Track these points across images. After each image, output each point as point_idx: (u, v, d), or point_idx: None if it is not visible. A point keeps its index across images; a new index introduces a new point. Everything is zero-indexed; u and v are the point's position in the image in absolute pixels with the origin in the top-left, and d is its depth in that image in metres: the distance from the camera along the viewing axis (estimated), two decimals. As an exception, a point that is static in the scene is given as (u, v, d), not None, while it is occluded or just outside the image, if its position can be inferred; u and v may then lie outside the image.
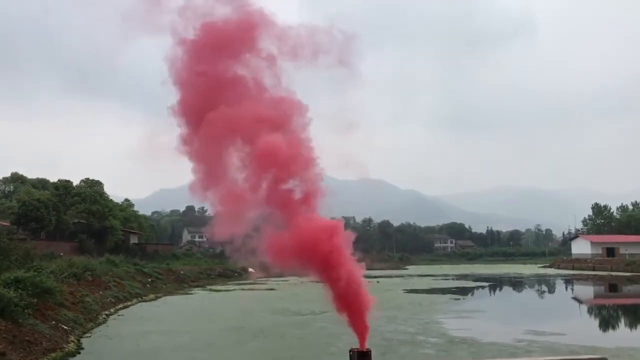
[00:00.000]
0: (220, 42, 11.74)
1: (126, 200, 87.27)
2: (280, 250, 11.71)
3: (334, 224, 11.55)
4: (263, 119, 11.34)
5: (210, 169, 12.22)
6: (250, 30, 11.87)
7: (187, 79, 12.14)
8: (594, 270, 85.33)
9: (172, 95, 12.08)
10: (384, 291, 47.59)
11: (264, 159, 11.04)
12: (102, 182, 71.42)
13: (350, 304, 11.33)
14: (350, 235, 11.66)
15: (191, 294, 48.28)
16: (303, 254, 11.45)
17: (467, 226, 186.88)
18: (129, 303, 36.26)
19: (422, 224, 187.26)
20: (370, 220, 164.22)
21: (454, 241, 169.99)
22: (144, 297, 40.34)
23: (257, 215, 12.14)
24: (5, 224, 54.97)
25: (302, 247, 11.30)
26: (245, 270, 65.09)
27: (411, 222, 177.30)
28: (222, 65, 12.13)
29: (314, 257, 11.33)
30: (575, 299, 49.53)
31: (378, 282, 57.06)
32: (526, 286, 61.61)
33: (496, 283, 65.86)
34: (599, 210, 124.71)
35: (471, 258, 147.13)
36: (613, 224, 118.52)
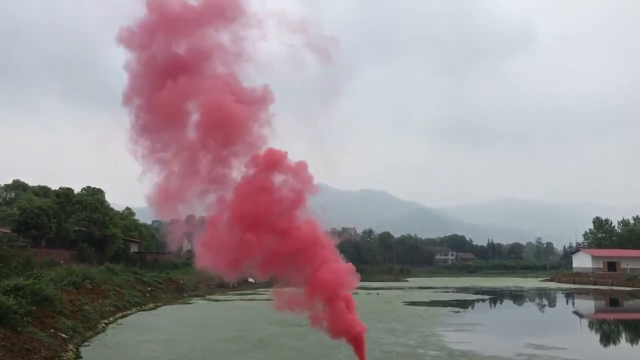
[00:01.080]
0: (173, 21, 10.88)
1: (127, 208, 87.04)
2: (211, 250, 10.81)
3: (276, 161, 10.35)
4: (219, 90, 10.67)
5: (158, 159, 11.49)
6: (210, 11, 11.20)
7: (135, 61, 11.49)
8: (594, 284, 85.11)
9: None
10: (384, 303, 47.48)
11: (211, 116, 10.15)
12: (103, 190, 71.38)
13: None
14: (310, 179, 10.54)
15: (190, 303, 48.12)
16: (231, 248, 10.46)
17: (468, 238, 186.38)
18: (128, 312, 36.20)
19: (423, 235, 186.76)
20: (370, 231, 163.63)
21: (454, 253, 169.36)
22: (143, 306, 40.24)
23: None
24: (5, 231, 54.96)
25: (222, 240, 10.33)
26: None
27: (412, 234, 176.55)
28: (175, 44, 11.38)
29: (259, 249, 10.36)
30: (576, 313, 49.31)
31: (378, 294, 56.94)
32: (527, 300, 61.34)
33: (497, 296, 65.61)
34: (600, 224, 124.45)
35: (472, 271, 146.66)
36: (614, 238, 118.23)
